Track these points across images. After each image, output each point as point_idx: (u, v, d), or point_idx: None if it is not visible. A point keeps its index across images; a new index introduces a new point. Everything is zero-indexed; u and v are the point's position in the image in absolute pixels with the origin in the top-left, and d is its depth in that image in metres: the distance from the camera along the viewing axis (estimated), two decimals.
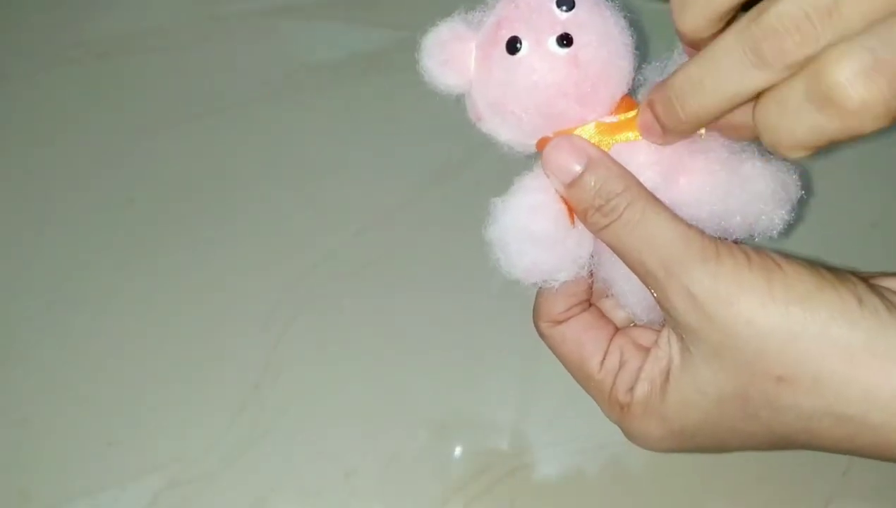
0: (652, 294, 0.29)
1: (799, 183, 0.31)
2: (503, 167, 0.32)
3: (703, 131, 0.29)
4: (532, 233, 0.29)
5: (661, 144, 0.29)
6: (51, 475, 0.40)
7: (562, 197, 0.30)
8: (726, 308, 0.26)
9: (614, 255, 0.30)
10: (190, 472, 0.40)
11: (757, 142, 0.29)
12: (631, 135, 0.29)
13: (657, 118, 0.28)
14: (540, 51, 0.28)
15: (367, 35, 0.57)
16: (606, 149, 0.29)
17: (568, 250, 0.30)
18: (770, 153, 0.29)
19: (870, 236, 0.48)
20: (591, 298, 0.34)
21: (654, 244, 0.27)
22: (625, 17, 0.30)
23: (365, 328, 0.44)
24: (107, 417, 0.41)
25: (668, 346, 0.29)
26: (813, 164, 0.51)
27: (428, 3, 0.58)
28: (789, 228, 0.31)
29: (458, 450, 0.40)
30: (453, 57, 0.30)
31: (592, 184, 0.28)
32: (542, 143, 0.31)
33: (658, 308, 0.30)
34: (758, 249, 0.28)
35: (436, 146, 0.50)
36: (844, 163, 0.51)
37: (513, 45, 0.28)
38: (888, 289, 0.27)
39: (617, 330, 0.33)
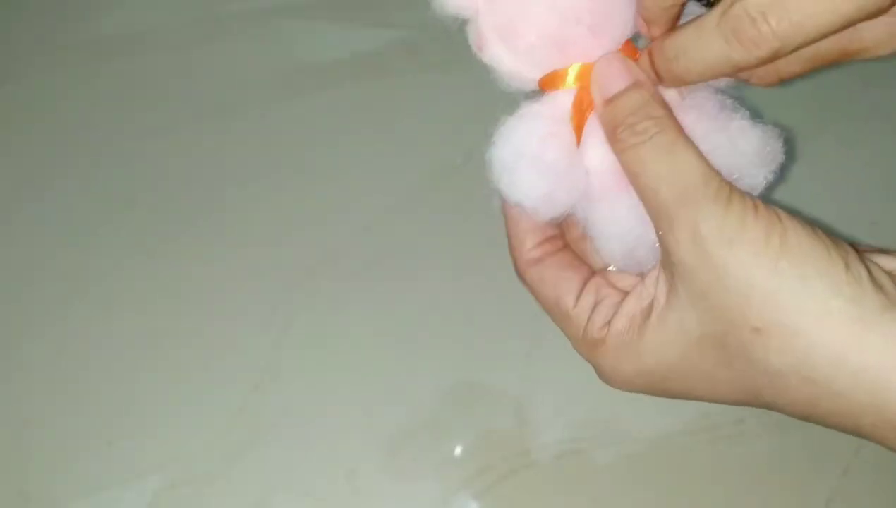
0: (655, 225, 0.28)
1: (783, 147, 0.31)
2: None
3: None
4: (543, 161, 0.29)
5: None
6: (51, 475, 0.40)
7: (574, 125, 0.29)
8: (724, 248, 0.26)
9: (602, 196, 0.30)
10: (190, 472, 0.40)
11: (746, 103, 0.31)
12: None
13: (653, 67, 0.29)
14: None
15: (367, 35, 0.57)
16: None
17: (573, 182, 0.30)
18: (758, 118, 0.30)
19: (870, 236, 0.48)
20: (563, 237, 0.34)
21: (676, 174, 0.27)
22: None
23: (365, 328, 0.44)
24: (107, 417, 0.41)
25: (654, 286, 0.29)
26: (815, 164, 0.51)
27: (427, 4, 0.59)
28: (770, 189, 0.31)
29: (458, 450, 0.40)
30: None
31: (634, 101, 0.28)
32: (545, 81, 0.30)
33: (630, 255, 0.30)
34: (766, 201, 0.28)
35: (436, 146, 0.50)
36: (844, 163, 0.51)
37: None
38: (878, 265, 0.27)
39: (593, 272, 0.33)
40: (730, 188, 0.27)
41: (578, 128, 0.29)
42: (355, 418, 0.41)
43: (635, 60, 0.30)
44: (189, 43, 0.58)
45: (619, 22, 0.29)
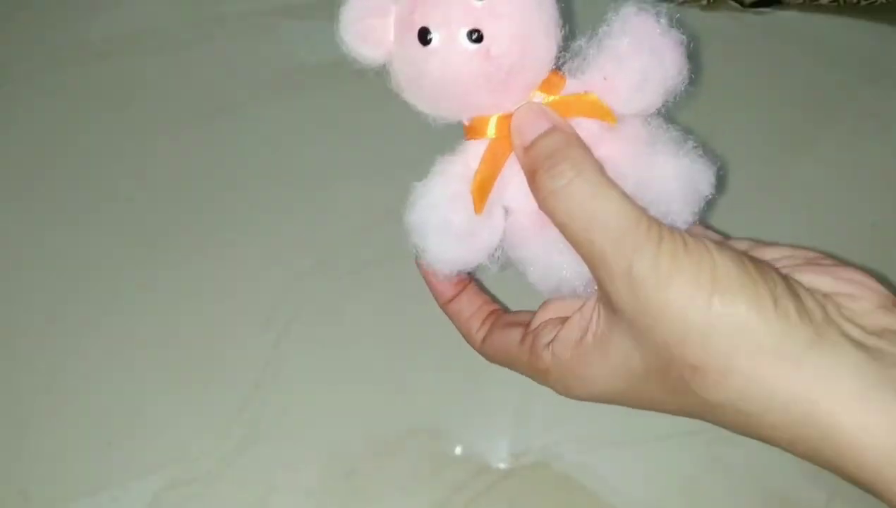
0: (592, 272, 0.28)
1: (712, 180, 0.30)
2: None
3: (614, 122, 0.29)
4: (450, 225, 0.29)
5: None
6: (51, 475, 0.40)
7: (475, 186, 0.29)
8: (660, 292, 0.26)
9: (522, 238, 0.30)
10: (190, 472, 0.40)
11: (682, 131, 0.30)
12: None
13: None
14: (451, 45, 0.28)
15: None
16: None
17: (483, 240, 0.30)
18: (692, 145, 0.30)
19: (870, 236, 0.48)
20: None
21: (605, 220, 0.27)
22: None
23: (365, 328, 0.44)
24: (107, 417, 0.41)
25: (591, 315, 0.30)
26: (815, 164, 0.51)
27: None
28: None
29: (458, 450, 0.40)
30: (370, 31, 0.29)
31: (550, 145, 0.28)
32: (467, 130, 0.31)
33: (559, 288, 0.30)
34: (696, 235, 0.28)
35: (436, 146, 0.50)
36: (844, 163, 0.51)
37: (424, 36, 0.28)
38: (808, 291, 0.28)
39: (529, 323, 0.34)
40: (659, 226, 0.27)
41: (480, 190, 0.29)
42: (355, 418, 0.41)
43: (561, 86, 0.29)
44: (187, 43, 0.58)
45: (527, 74, 0.29)
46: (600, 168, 0.28)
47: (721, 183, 0.31)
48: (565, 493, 0.39)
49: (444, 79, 0.28)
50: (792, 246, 0.31)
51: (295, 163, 0.51)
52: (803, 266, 0.29)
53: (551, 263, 0.30)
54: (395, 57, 0.29)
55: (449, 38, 0.28)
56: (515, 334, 0.33)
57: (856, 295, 0.28)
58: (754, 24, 0.58)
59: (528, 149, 0.29)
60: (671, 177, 0.29)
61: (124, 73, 0.56)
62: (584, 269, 0.29)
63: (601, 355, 0.29)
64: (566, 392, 0.32)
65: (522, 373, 0.33)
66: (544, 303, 0.33)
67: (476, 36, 0.27)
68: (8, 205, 0.49)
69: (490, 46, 0.27)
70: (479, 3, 0.27)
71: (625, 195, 0.27)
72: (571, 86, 0.29)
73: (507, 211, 0.30)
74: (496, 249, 0.30)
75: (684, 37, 0.29)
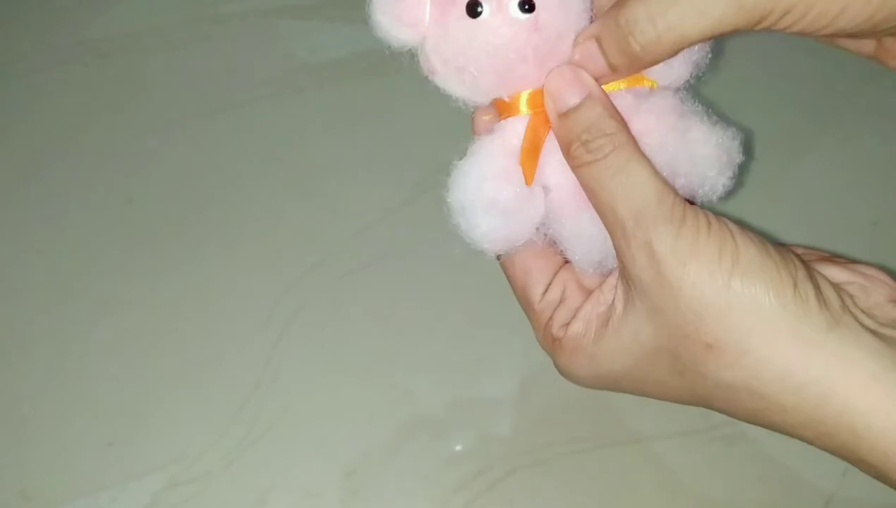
0: (614, 241, 0.29)
1: (741, 148, 0.31)
2: None
3: (655, 85, 0.29)
4: (497, 202, 0.29)
5: (601, 81, 0.29)
6: (51, 475, 0.40)
7: (523, 159, 0.29)
8: (678, 268, 0.27)
9: (564, 213, 0.30)
10: (190, 472, 0.40)
11: (705, 105, 0.31)
12: None
13: (604, 53, 0.28)
14: (502, 15, 0.28)
15: (366, 34, 0.56)
16: None
17: (529, 216, 0.30)
18: (716, 117, 0.30)
19: (870, 236, 0.48)
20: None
21: (631, 193, 0.27)
22: None
23: (365, 327, 0.44)
24: (107, 417, 0.41)
25: (612, 293, 0.30)
26: (815, 164, 0.51)
27: None
28: (732, 193, 0.32)
29: (457, 450, 0.40)
30: (406, 11, 0.29)
31: (586, 117, 0.28)
32: (499, 108, 0.30)
33: (602, 263, 0.30)
34: (720, 216, 0.28)
35: (435, 145, 0.50)
36: (844, 163, 0.51)
37: (474, 8, 0.28)
38: (827, 279, 0.28)
39: (565, 262, 0.33)
40: (684, 206, 0.28)
41: (529, 161, 0.29)
42: (355, 418, 0.41)
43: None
44: (187, 43, 0.58)
45: (570, 45, 0.29)
46: (634, 142, 0.28)
47: (749, 150, 0.32)
48: (565, 493, 0.39)
49: (493, 50, 0.28)
50: (806, 246, 0.31)
51: (295, 163, 0.51)
52: (821, 261, 0.30)
53: (595, 237, 0.30)
54: (434, 35, 0.29)
55: (500, 7, 0.28)
56: (543, 271, 0.33)
57: (868, 288, 0.28)
58: None
59: (563, 117, 0.29)
60: (706, 145, 0.30)
61: (124, 72, 0.56)
62: None
63: (613, 330, 0.29)
64: (571, 368, 0.32)
65: (523, 310, 0.33)
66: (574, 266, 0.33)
67: (528, 6, 0.28)
68: (7, 204, 0.49)
69: (539, 16, 0.28)
70: None
71: (655, 172, 0.28)
72: None
73: (546, 188, 0.30)
74: (540, 225, 0.30)
75: None
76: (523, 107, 0.30)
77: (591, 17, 0.30)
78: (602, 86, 0.29)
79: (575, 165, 0.29)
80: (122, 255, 0.47)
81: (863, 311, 0.27)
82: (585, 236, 0.30)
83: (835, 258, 0.31)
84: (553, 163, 0.30)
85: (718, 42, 0.30)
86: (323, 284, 0.46)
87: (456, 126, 0.32)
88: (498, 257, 0.33)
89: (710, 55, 0.30)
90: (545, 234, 0.31)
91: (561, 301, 0.32)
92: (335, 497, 0.39)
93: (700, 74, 0.31)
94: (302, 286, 0.46)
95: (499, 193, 0.29)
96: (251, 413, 0.41)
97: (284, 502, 0.39)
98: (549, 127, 0.29)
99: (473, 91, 0.30)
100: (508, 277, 0.34)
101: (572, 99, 0.28)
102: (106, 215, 0.49)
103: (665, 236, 0.27)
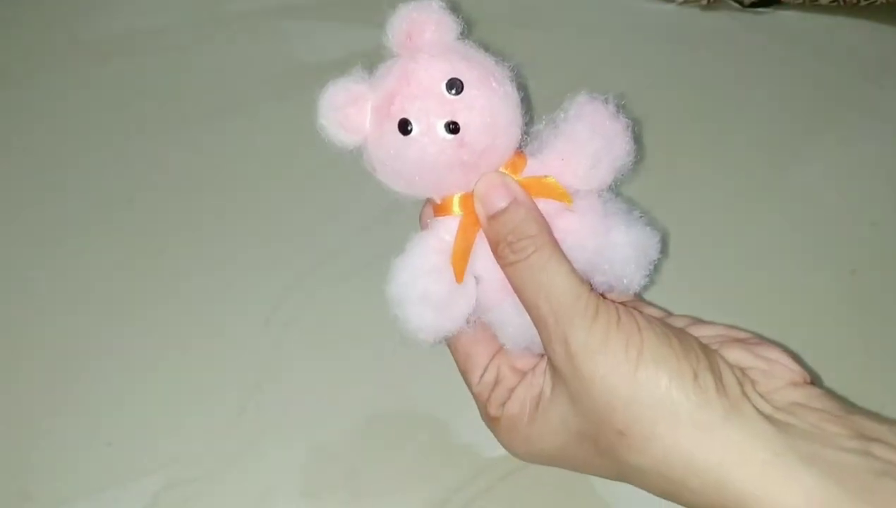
0: (539, 333, 0.31)
1: (658, 247, 0.33)
2: None
3: (570, 202, 0.32)
4: (429, 296, 0.31)
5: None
6: (51, 475, 0.40)
7: (455, 259, 0.32)
8: (589, 361, 0.29)
9: (493, 303, 0.33)
10: (190, 472, 0.40)
11: (626, 202, 0.33)
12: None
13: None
14: (429, 135, 0.30)
15: (367, 34, 0.56)
16: None
17: (460, 309, 0.32)
18: (638, 214, 0.33)
19: (870, 236, 0.48)
20: None
21: (550, 291, 0.30)
22: (511, 81, 0.32)
23: (365, 328, 0.44)
24: (106, 417, 0.41)
25: (542, 377, 0.33)
26: (814, 165, 0.51)
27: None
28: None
29: (457, 450, 0.40)
30: (348, 119, 0.31)
31: (512, 220, 0.31)
32: (433, 204, 0.33)
33: (529, 348, 0.33)
34: (628, 309, 0.30)
35: None
36: (844, 164, 0.51)
37: (404, 127, 0.30)
38: (729, 366, 0.30)
39: (499, 347, 0.35)
40: (597, 301, 0.30)
41: (459, 261, 0.32)
42: (355, 418, 0.41)
43: (523, 165, 0.32)
44: (189, 43, 0.58)
45: (496, 154, 0.31)
46: (555, 243, 0.31)
47: (665, 248, 0.34)
48: (565, 493, 0.39)
49: (422, 164, 0.31)
50: (728, 325, 0.34)
51: (295, 164, 0.51)
52: (731, 343, 0.32)
53: (520, 325, 0.32)
54: (372, 142, 0.32)
55: (428, 128, 0.30)
56: (480, 355, 0.35)
57: (769, 372, 0.31)
58: (754, 24, 0.58)
59: (491, 219, 0.31)
60: (625, 245, 0.32)
61: (124, 73, 0.56)
62: None
63: (543, 414, 0.32)
64: (509, 446, 0.34)
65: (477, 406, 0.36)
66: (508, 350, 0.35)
67: (453, 127, 0.30)
68: (6, 205, 0.49)
69: (464, 135, 0.30)
70: (453, 95, 0.30)
71: (572, 270, 0.31)
72: (532, 165, 0.32)
73: (477, 279, 0.33)
74: (471, 314, 0.33)
75: (630, 121, 0.32)
76: (456, 208, 0.32)
77: (522, 127, 0.32)
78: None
79: (502, 264, 0.31)
80: (122, 256, 0.47)
81: (761, 396, 0.29)
82: (511, 324, 0.33)
83: (750, 340, 0.33)
84: (483, 257, 0.32)
85: (639, 145, 0.33)
86: (323, 285, 0.46)
87: None
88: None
89: (632, 161, 0.32)
90: (475, 321, 0.33)
91: (496, 382, 0.34)
92: (335, 497, 0.39)
93: (622, 176, 0.33)
94: (302, 286, 0.46)
95: (431, 288, 0.32)
96: (251, 413, 0.41)
97: (284, 502, 0.39)
98: (479, 226, 0.32)
99: (409, 191, 0.32)
100: (453, 357, 0.36)
101: (500, 202, 0.31)
102: (106, 216, 0.49)
103: (579, 331, 0.29)
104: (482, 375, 0.35)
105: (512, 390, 0.34)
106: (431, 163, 0.30)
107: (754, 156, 0.51)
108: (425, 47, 0.31)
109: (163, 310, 0.45)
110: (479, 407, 0.35)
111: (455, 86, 0.30)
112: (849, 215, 0.48)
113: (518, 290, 0.31)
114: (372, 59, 0.55)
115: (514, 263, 0.31)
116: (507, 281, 0.32)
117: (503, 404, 0.33)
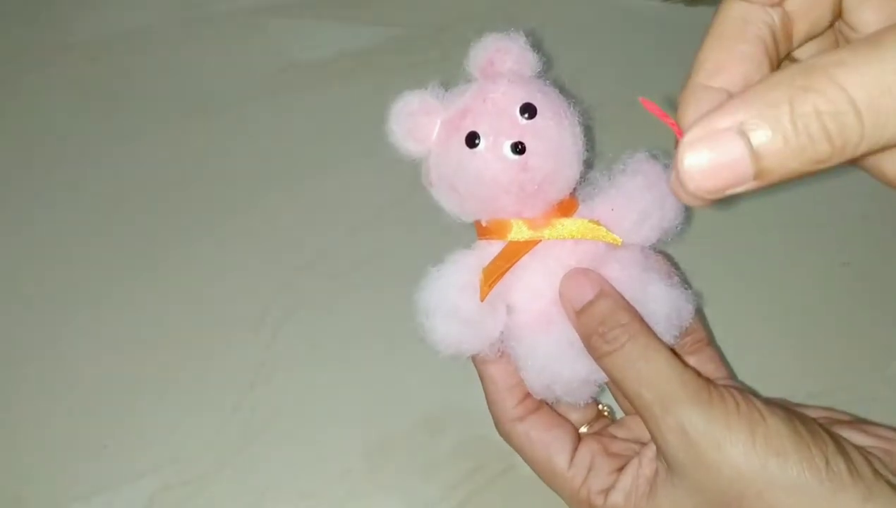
0: (645, 424, 0.31)
1: (692, 312, 0.34)
2: None
3: (619, 243, 0.32)
4: (458, 311, 0.32)
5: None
6: (46, 479, 0.40)
7: (483, 278, 0.31)
8: (714, 451, 0.29)
9: (523, 334, 0.32)
10: (185, 474, 0.40)
11: (665, 262, 0.34)
12: (564, 231, 0.32)
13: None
14: (495, 151, 0.30)
15: (356, 33, 0.57)
16: (537, 241, 0.32)
17: (487, 331, 0.32)
18: (678, 277, 0.33)
19: (864, 233, 0.48)
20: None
21: (653, 380, 0.30)
22: (580, 123, 0.32)
23: (359, 327, 0.44)
24: (102, 419, 0.41)
25: (650, 466, 0.32)
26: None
27: (416, 1, 0.58)
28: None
29: (453, 449, 0.40)
30: (417, 128, 0.32)
31: (601, 311, 0.31)
32: (479, 226, 0.33)
33: (551, 388, 0.32)
34: (745, 395, 0.30)
35: None
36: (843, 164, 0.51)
37: (472, 140, 0.31)
38: (854, 446, 0.30)
39: (577, 429, 0.35)
40: (709, 388, 0.30)
41: (487, 280, 0.32)
42: (350, 418, 0.41)
43: (574, 209, 0.32)
44: (178, 43, 0.57)
45: (553, 190, 0.32)
46: (648, 329, 0.31)
47: (700, 314, 0.34)
48: None
49: (481, 180, 0.31)
50: (826, 408, 0.33)
51: (285, 163, 0.51)
52: (840, 425, 0.32)
53: (550, 360, 0.32)
54: (436, 154, 0.32)
55: (494, 144, 0.31)
56: (563, 440, 0.34)
57: (891, 451, 0.30)
58: None
59: (580, 313, 0.31)
60: (660, 302, 0.33)
61: (113, 72, 0.56)
62: (582, 369, 0.32)
63: (652, 501, 0.31)
64: None
65: (546, 481, 0.35)
66: (597, 433, 0.35)
67: (520, 148, 0.30)
68: (1, 205, 0.49)
69: (528, 159, 0.31)
70: (525, 120, 0.31)
71: (673, 355, 0.30)
72: (582, 210, 0.33)
73: (510, 308, 0.33)
74: (496, 340, 0.33)
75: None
76: (514, 233, 0.32)
77: (581, 169, 0.32)
78: (574, 237, 0.32)
79: (596, 356, 0.31)
80: (114, 256, 0.47)
81: (894, 474, 0.29)
82: (537, 359, 0.32)
83: (854, 422, 0.32)
84: (522, 288, 0.32)
85: (689, 213, 0.33)
86: (316, 284, 0.46)
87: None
88: (509, 436, 0.35)
89: (680, 226, 0.33)
90: (498, 349, 0.33)
91: (591, 467, 0.34)
92: (331, 496, 0.39)
93: (666, 240, 0.33)
94: (295, 286, 0.46)
95: (461, 304, 0.32)
96: (246, 414, 0.41)
97: (280, 502, 0.39)
98: (519, 256, 0.32)
99: (459, 209, 0.33)
100: (525, 452, 0.35)
101: (586, 296, 0.31)
102: (98, 216, 0.49)
103: (697, 420, 0.29)
104: (572, 458, 0.34)
105: (613, 474, 0.33)
106: (490, 180, 0.31)
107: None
108: (505, 75, 0.32)
109: (156, 312, 0.45)
110: (567, 495, 0.34)
111: (529, 111, 0.31)
112: (840, 208, 0.49)
113: (617, 382, 0.31)
114: (363, 57, 0.56)
115: (609, 353, 0.30)
116: (542, 317, 0.32)
117: (604, 492, 0.33)
